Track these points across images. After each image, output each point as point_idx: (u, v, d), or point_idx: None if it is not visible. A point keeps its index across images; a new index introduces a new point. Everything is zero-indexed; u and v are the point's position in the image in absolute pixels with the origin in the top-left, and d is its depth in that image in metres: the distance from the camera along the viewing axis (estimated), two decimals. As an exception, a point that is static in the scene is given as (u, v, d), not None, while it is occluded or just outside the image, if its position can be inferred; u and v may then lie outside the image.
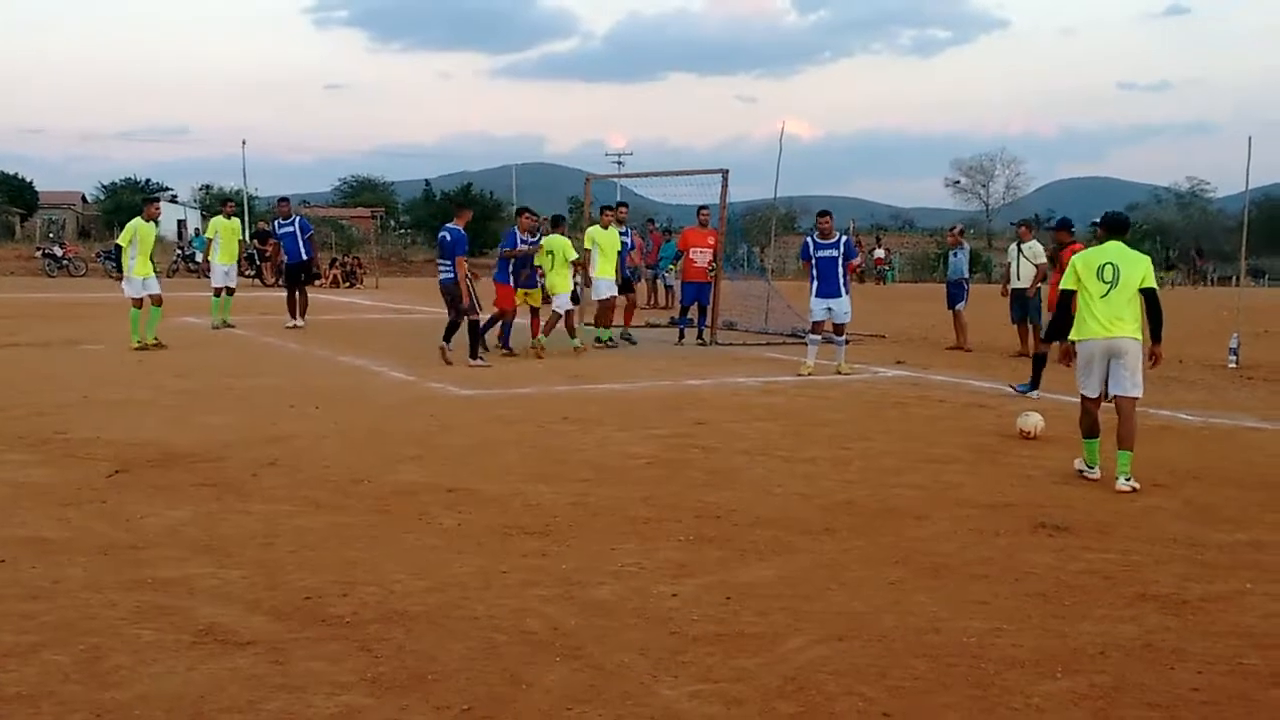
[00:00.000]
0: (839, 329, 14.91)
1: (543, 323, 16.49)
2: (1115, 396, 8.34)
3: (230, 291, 20.17)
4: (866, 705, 4.33)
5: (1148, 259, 8.54)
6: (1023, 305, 17.77)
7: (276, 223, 20.00)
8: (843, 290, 14.70)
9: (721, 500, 7.62)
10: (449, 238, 15.41)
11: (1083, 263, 8.52)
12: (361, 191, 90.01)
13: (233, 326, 19.74)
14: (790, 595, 5.66)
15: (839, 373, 14.61)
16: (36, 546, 6.25)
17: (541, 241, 16.49)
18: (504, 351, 15.87)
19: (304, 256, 20.23)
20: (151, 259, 16.92)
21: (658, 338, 19.22)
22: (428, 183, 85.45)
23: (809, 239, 15.25)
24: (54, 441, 9.21)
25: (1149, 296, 8.38)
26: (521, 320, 16.60)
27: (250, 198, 65.99)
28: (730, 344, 18.49)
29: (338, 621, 5.14)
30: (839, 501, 7.69)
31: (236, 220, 20.59)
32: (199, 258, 43.81)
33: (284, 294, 20.95)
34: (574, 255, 16.75)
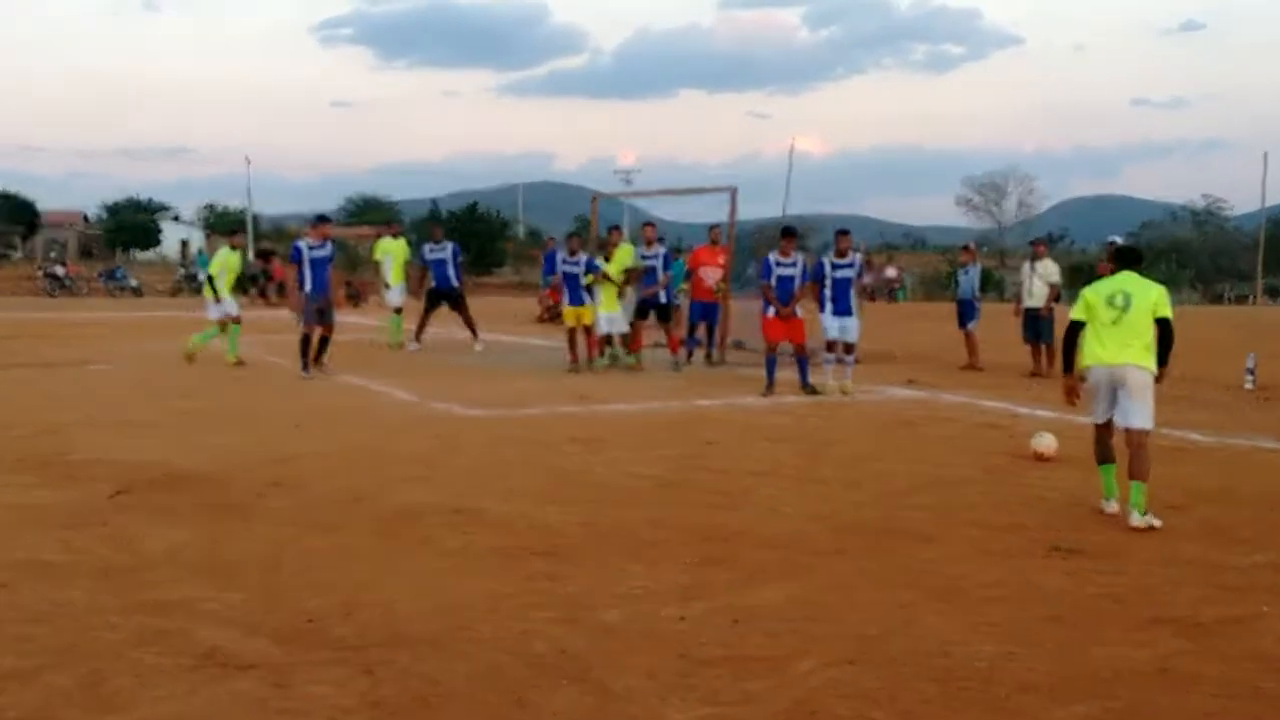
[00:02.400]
0: (849, 348, 14.85)
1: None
2: (1126, 429, 7.99)
3: (399, 311, 20.58)
4: (877, 731, 4.27)
5: (1162, 288, 8.29)
6: (1035, 324, 17.72)
7: (427, 247, 20.15)
8: (854, 309, 14.72)
9: (730, 522, 7.56)
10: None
11: (1093, 292, 8.27)
12: (367, 210, 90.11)
13: (402, 347, 20.00)
14: (800, 618, 5.60)
15: (843, 392, 14.52)
16: (37, 569, 6.20)
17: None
18: (805, 389, 14.50)
19: (454, 283, 20.18)
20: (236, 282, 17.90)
21: (665, 358, 19.14)
22: (434, 201, 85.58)
23: (823, 260, 15.10)
24: (56, 463, 9.18)
25: (1162, 326, 8.05)
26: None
27: (254, 217, 66.27)
28: (739, 364, 18.40)
29: (341, 644, 5.09)
30: (849, 523, 7.63)
31: (403, 240, 21.04)
32: (201, 276, 43.96)
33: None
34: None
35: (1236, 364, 16.99)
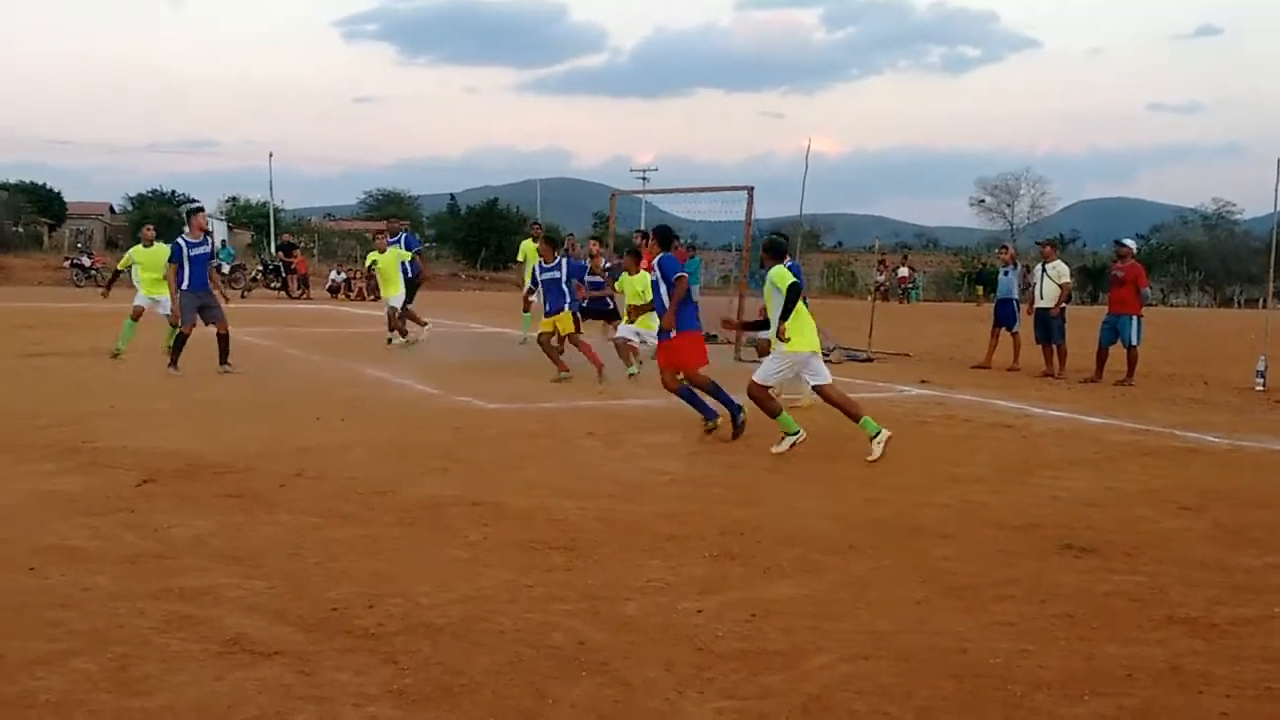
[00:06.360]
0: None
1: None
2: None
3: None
4: (893, 725, 4.32)
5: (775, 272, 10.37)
6: (1046, 326, 17.76)
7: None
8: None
9: (746, 517, 7.61)
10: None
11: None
12: (386, 205, 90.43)
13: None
14: (815, 613, 5.65)
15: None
16: (66, 555, 6.28)
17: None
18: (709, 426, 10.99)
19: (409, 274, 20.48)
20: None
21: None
22: (453, 197, 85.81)
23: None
24: (82, 451, 9.26)
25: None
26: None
27: (276, 210, 66.46)
28: (754, 361, 18.41)
29: (364, 633, 5.15)
30: (864, 520, 7.67)
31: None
32: (225, 269, 44.16)
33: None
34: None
35: (1247, 367, 17.00)
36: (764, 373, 10.36)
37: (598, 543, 6.87)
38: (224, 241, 57.71)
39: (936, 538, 7.23)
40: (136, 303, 17.15)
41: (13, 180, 69.51)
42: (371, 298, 35.25)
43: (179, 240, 15.16)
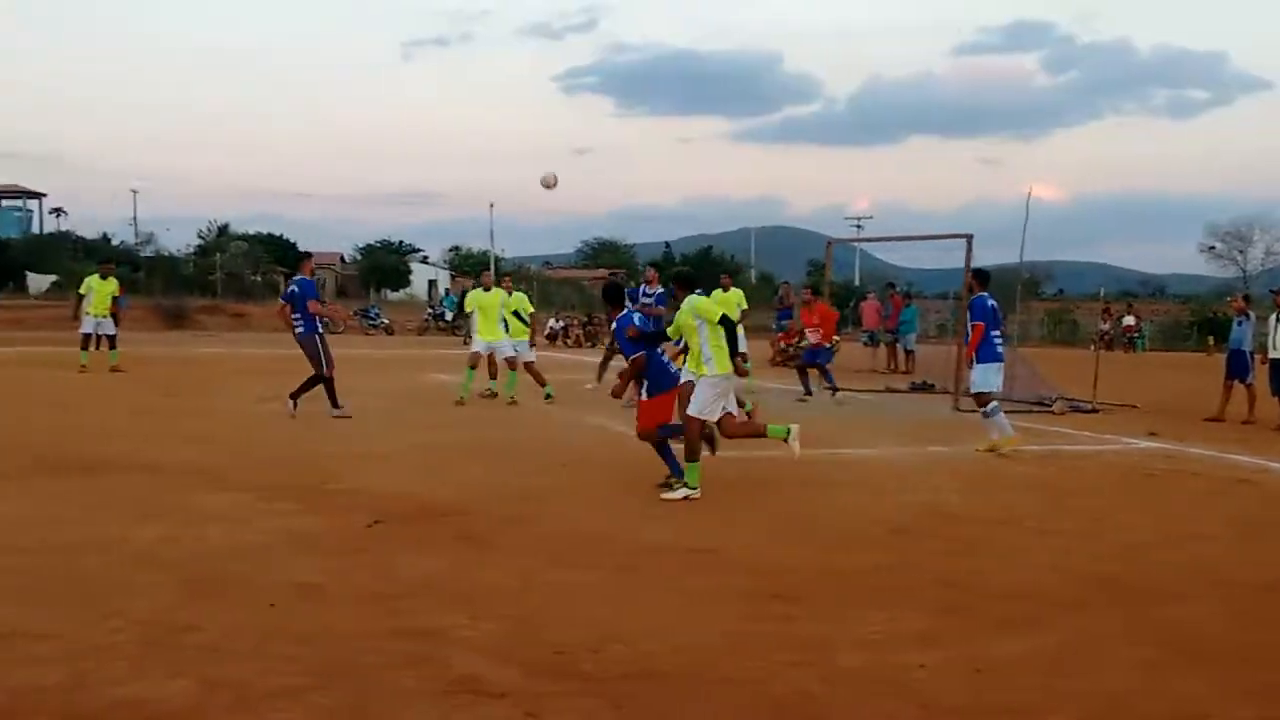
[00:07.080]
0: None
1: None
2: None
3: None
4: (1129, 790, 4.18)
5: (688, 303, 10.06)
6: (1280, 377, 17.03)
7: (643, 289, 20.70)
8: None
9: (968, 569, 7.47)
10: (296, 290, 15.34)
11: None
12: (602, 253, 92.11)
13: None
14: (1042, 671, 5.50)
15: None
16: (304, 592, 6.55)
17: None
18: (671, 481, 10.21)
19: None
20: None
21: (897, 403, 18.91)
22: (667, 245, 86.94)
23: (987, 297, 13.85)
24: (317, 491, 9.65)
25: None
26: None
27: (496, 259, 68.31)
28: (974, 411, 18.07)
29: (588, 677, 5.22)
30: (1091, 575, 7.44)
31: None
32: (448, 316, 45.60)
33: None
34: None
35: None
36: (697, 406, 9.89)
37: (816, 592, 6.84)
38: (447, 290, 59.53)
39: (1170, 596, 6.97)
40: (473, 349, 17.94)
41: (252, 231, 73.28)
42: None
43: (305, 278, 15.57)
